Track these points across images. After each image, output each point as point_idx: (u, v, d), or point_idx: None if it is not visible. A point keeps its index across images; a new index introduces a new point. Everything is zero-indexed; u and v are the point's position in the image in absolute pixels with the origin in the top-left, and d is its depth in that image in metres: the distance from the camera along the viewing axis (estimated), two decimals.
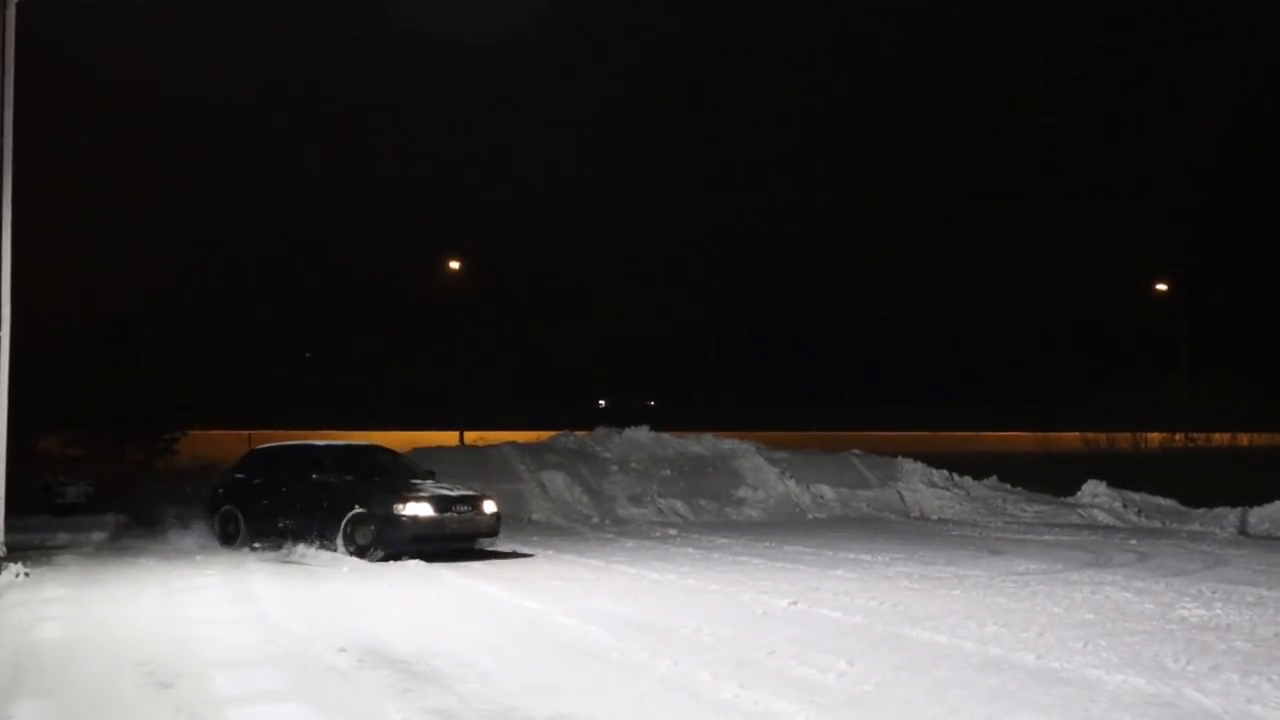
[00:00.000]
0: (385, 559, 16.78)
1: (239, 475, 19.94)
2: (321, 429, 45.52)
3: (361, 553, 17.05)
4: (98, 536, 20.01)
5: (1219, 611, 11.94)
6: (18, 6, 15.43)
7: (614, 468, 28.01)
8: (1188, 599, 12.84)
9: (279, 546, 18.00)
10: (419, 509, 17.31)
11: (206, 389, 48.53)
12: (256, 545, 18.37)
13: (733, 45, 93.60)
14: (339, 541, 17.39)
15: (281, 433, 42.62)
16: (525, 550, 18.66)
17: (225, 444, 37.58)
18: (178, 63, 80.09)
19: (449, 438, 37.61)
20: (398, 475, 19.24)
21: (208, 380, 50.41)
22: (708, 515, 25.85)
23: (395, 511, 17.16)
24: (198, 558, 17.45)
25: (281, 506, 18.51)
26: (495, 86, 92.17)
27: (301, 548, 17.66)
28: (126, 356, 42.72)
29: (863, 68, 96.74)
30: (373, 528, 17.20)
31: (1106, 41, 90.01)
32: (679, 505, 26.23)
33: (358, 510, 17.39)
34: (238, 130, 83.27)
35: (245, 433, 40.77)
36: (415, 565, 16.38)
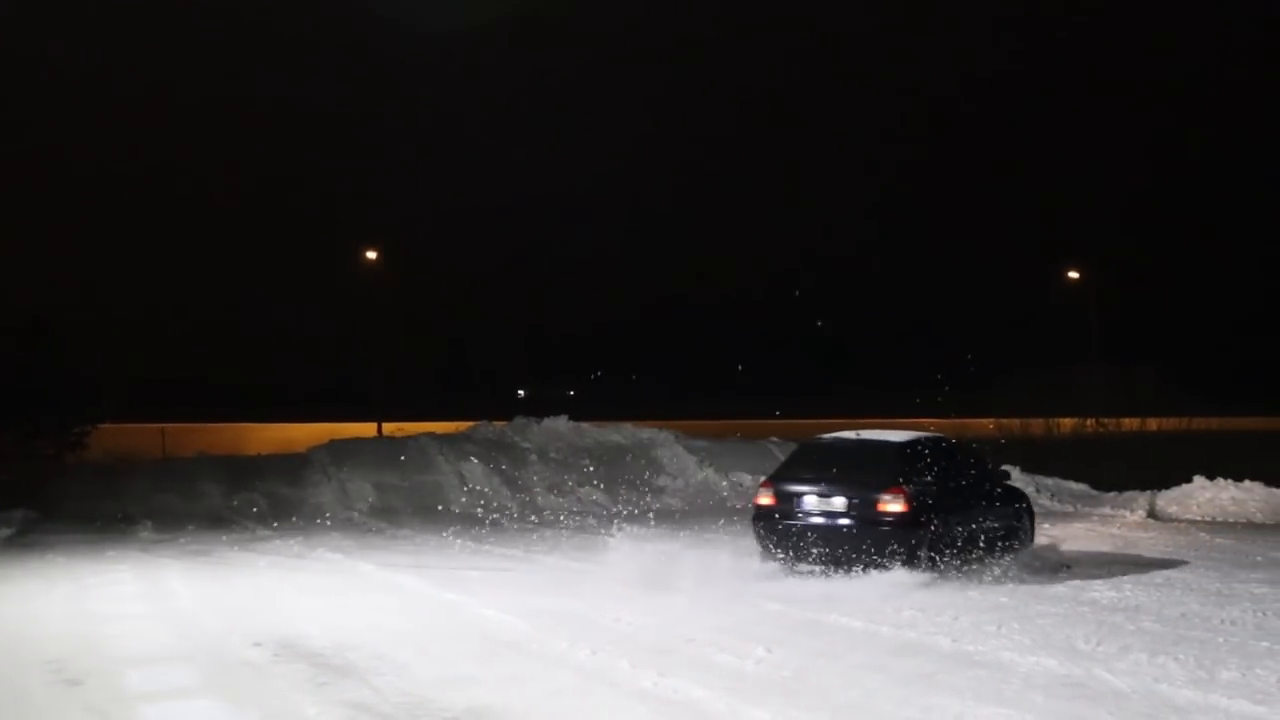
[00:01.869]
0: None
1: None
2: (238, 421, 44.97)
3: None
4: (4, 533, 19.60)
5: (1128, 593, 12.16)
6: None
7: (533, 458, 27.96)
8: (1098, 581, 13.06)
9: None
10: None
11: (119, 382, 47.68)
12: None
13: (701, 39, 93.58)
14: None
15: (196, 425, 42.05)
16: (444, 541, 18.56)
17: (138, 438, 36.95)
18: (117, 53, 78.50)
19: (367, 429, 37.29)
20: None
21: (120, 373, 49.57)
22: (627, 504, 25.88)
23: None
24: (109, 553, 17.15)
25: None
26: (435, 81, 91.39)
27: None
28: (35, 348, 41.83)
29: (785, 54, 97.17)
30: None
31: (1024, 34, 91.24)
32: (598, 495, 26.23)
33: None
34: (164, 125, 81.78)
35: (159, 426, 40.10)
36: (332, 557, 16.24)
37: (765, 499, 14.31)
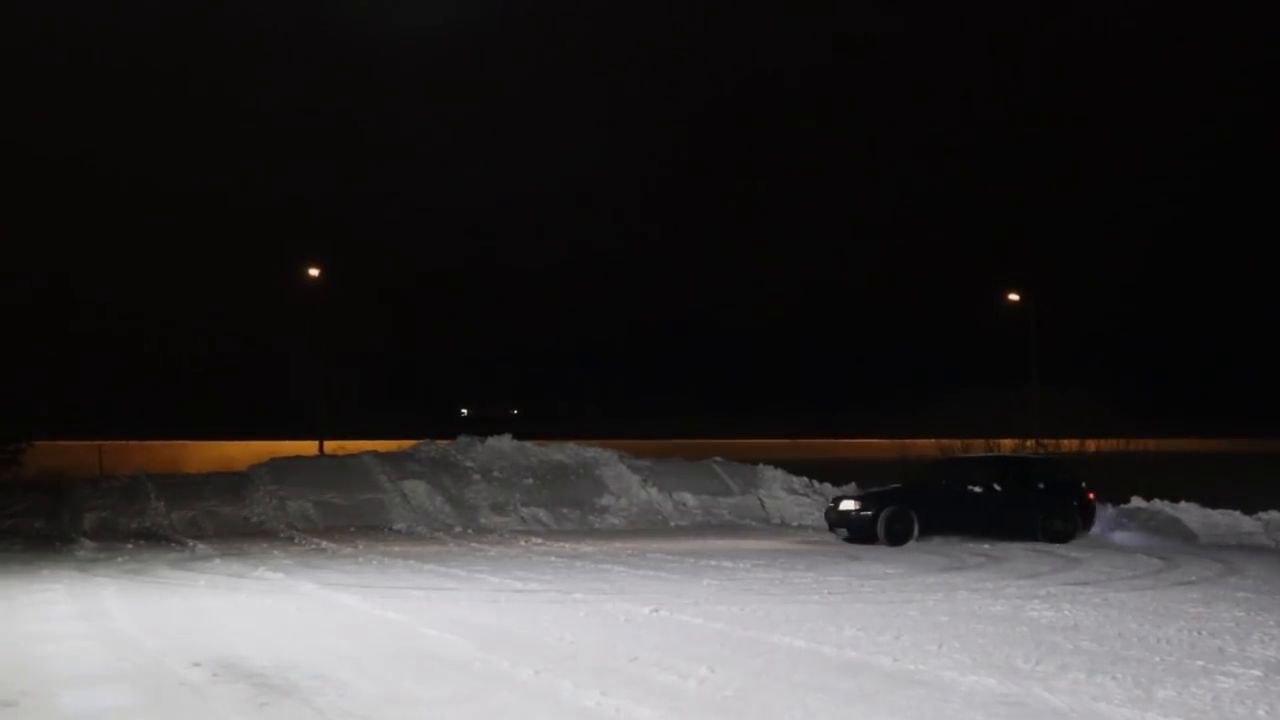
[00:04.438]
0: None
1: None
2: (176, 439, 44.45)
3: None
4: None
5: (1067, 613, 12.29)
6: None
7: (476, 476, 27.87)
8: (1037, 601, 13.19)
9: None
10: None
11: (53, 398, 46.97)
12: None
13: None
14: None
15: (135, 443, 41.49)
16: (387, 560, 18.45)
17: (74, 455, 36.44)
18: (74, 51, 77.17)
19: (308, 447, 36.98)
20: None
21: (54, 389, 48.82)
22: (571, 523, 25.85)
23: None
24: (44, 572, 16.91)
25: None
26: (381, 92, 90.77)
27: None
28: None
29: (708, 74, 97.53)
30: None
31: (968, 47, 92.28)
32: (542, 514, 26.19)
33: None
34: (115, 124, 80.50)
35: (96, 444, 39.56)
36: (273, 576, 16.10)
37: None
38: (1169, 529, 22.17)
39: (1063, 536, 21.19)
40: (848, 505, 21.48)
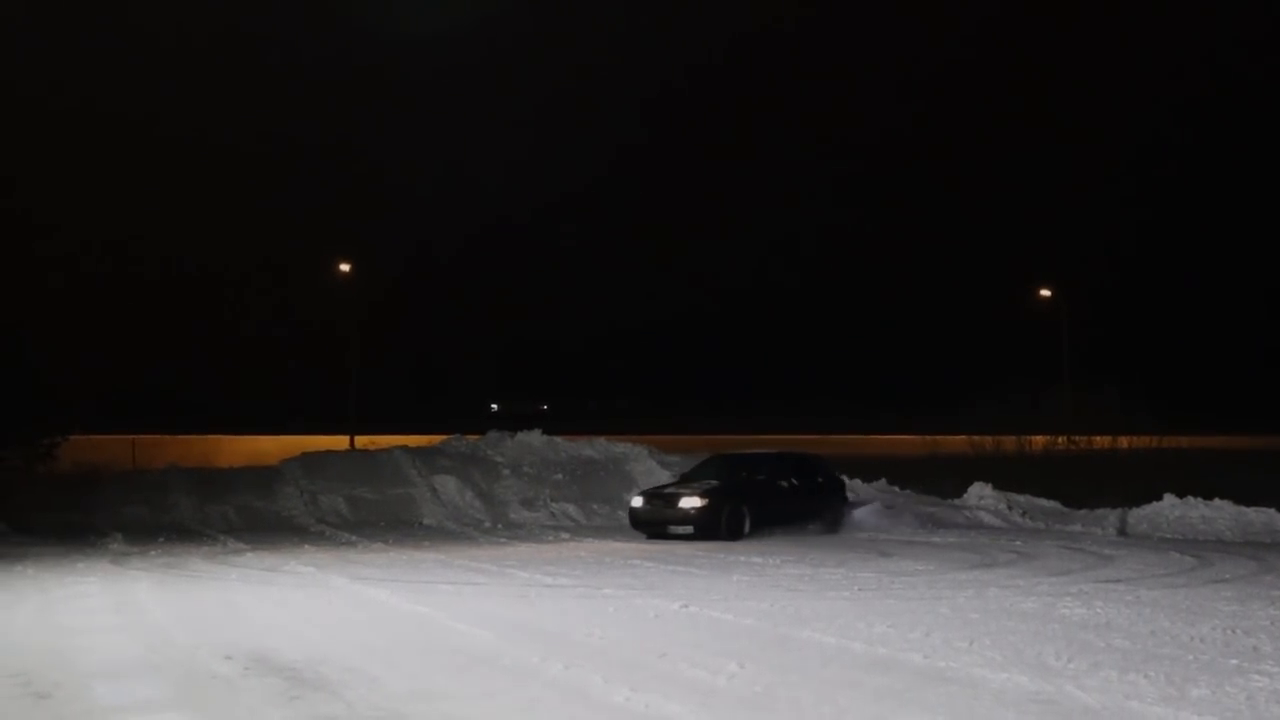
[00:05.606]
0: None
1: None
2: (209, 434, 44.65)
3: None
4: None
5: (1099, 610, 12.20)
6: None
7: (506, 472, 27.92)
8: (1069, 598, 13.11)
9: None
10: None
11: (88, 391, 47.28)
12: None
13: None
14: None
15: (167, 437, 41.73)
16: (417, 554, 18.51)
17: (108, 450, 36.67)
18: (98, 61, 77.77)
19: (339, 441, 37.13)
20: None
21: (89, 382, 49.13)
22: (600, 519, 25.87)
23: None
24: (79, 565, 17.04)
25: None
26: (417, 90, 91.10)
27: None
28: (4, 355, 41.39)
29: (736, 63, 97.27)
30: None
31: (994, 39, 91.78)
32: (571, 509, 26.22)
33: None
34: (142, 126, 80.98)
35: (129, 438, 39.82)
36: (305, 571, 16.18)
37: None
38: (1199, 527, 22.05)
39: (834, 528, 22.64)
40: (690, 502, 21.44)
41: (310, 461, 28.68)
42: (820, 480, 23.87)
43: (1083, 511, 24.70)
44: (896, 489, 28.34)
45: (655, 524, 21.77)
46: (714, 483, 22.23)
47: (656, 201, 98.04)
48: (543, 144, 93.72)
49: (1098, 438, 35.62)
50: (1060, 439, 36.05)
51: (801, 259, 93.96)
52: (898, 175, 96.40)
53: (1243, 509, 22.42)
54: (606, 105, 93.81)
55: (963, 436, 37.08)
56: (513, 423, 34.21)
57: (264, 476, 28.02)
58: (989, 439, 35.80)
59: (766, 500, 22.23)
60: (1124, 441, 34.97)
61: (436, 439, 31.96)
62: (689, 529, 21.25)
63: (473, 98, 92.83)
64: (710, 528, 21.06)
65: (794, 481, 23.15)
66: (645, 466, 28.62)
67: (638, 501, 22.45)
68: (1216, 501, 22.86)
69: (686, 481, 23.14)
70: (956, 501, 26.57)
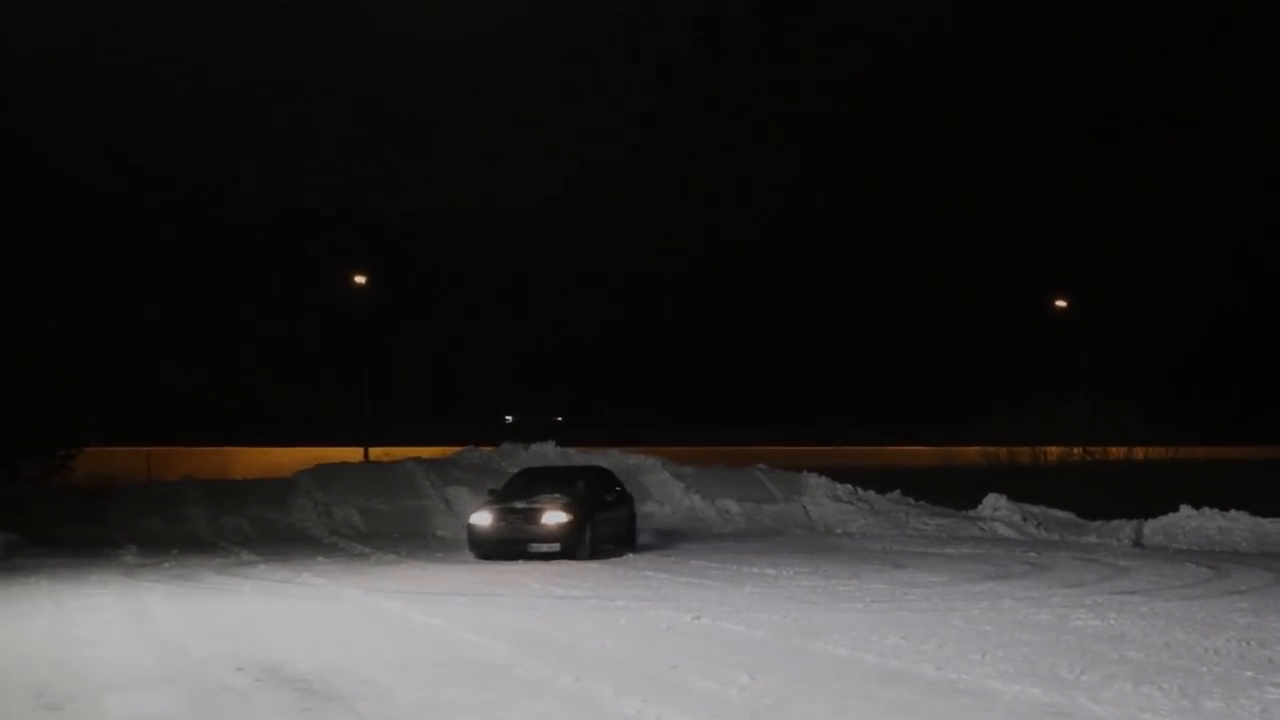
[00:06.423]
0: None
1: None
2: (223, 445, 44.75)
3: None
4: None
5: (1113, 622, 12.15)
6: None
7: None
8: (1083, 610, 13.06)
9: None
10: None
11: (104, 403, 47.47)
12: None
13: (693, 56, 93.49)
14: None
15: (182, 449, 41.84)
16: (430, 566, 18.52)
17: (123, 461, 36.82)
18: (116, 59, 77.89)
19: (353, 453, 37.21)
20: None
21: (105, 394, 49.33)
22: None
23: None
24: (92, 577, 17.08)
25: None
26: (418, 91, 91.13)
27: None
28: (20, 367, 41.56)
29: (742, 63, 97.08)
30: None
31: (1005, 47, 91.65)
32: None
33: None
34: (153, 136, 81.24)
35: (144, 449, 39.95)
36: (317, 582, 16.20)
37: None
38: (1216, 538, 21.97)
39: (633, 541, 21.88)
40: (555, 517, 19.32)
41: (324, 473, 28.74)
42: (618, 490, 22.33)
43: (1098, 522, 24.60)
44: (910, 500, 28.29)
45: (510, 543, 19.34)
46: (561, 496, 19.99)
47: (669, 199, 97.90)
48: (543, 144, 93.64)
49: (1114, 448, 35.54)
50: (1075, 450, 35.99)
51: (811, 274, 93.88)
52: (904, 180, 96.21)
53: (1259, 520, 22.31)
54: (593, 119, 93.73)
55: (977, 447, 37.03)
56: (528, 434, 34.24)
57: (278, 488, 28.08)
58: (1003, 450, 35.75)
59: (598, 515, 20.28)
60: (1140, 452, 34.89)
61: (450, 450, 32.01)
62: (555, 546, 19.17)
63: (472, 98, 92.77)
64: (575, 545, 19.25)
65: (608, 496, 21.42)
66: (659, 477, 28.62)
67: (484, 519, 19.69)
68: (1233, 513, 22.76)
69: (505, 498, 20.31)
70: (971, 513, 26.51)
